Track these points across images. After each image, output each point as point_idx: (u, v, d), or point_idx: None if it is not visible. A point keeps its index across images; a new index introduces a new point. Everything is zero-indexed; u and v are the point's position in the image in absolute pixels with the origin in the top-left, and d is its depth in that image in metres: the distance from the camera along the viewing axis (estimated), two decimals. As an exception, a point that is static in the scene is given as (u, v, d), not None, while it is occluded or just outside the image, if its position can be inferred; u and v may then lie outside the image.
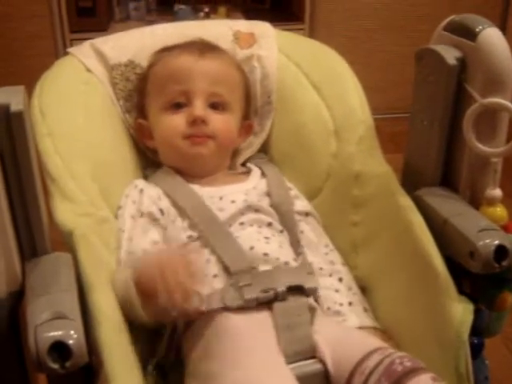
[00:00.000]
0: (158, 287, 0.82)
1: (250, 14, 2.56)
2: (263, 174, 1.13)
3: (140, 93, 1.13)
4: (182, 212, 1.00)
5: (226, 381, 0.80)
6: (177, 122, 1.06)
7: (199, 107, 1.05)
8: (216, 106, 1.08)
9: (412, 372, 0.78)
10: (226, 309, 0.89)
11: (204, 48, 1.11)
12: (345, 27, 2.82)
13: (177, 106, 1.07)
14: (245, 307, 0.89)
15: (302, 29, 2.70)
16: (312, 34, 2.74)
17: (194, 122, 1.04)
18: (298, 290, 0.91)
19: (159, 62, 1.11)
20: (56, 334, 0.72)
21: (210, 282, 0.93)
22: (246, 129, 1.17)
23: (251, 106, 1.18)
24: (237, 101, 1.12)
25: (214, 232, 0.97)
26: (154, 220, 0.99)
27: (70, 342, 0.71)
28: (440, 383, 0.77)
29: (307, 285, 0.92)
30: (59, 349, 0.71)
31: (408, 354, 0.81)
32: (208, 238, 0.96)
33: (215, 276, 0.93)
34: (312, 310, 0.93)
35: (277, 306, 0.90)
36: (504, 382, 1.42)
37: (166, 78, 1.08)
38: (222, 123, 1.08)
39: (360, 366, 0.82)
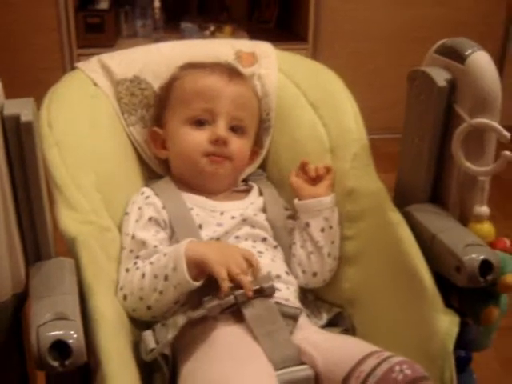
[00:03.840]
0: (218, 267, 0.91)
1: (255, 34, 2.60)
2: (260, 193, 1.16)
3: (160, 102, 1.17)
4: (168, 224, 1.05)
5: None
6: (199, 138, 1.09)
7: (222, 128, 1.09)
8: (236, 129, 1.11)
9: (413, 382, 0.79)
10: (200, 324, 0.92)
11: (232, 72, 1.15)
12: (347, 48, 2.86)
13: (199, 123, 1.10)
14: (212, 317, 0.91)
15: (305, 49, 2.75)
16: (315, 53, 2.79)
17: (217, 141, 1.08)
18: (258, 293, 0.94)
19: (186, 76, 1.14)
20: (57, 333, 0.75)
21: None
22: (253, 155, 1.20)
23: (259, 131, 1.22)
24: (253, 127, 1.16)
25: None
26: (157, 224, 1.04)
27: (70, 341, 0.74)
28: None
29: (264, 284, 0.95)
30: (60, 348, 0.74)
31: (407, 359, 0.82)
32: None
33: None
34: (292, 318, 0.96)
35: (247, 315, 0.93)
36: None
37: (193, 93, 1.11)
38: (240, 147, 1.12)
39: (355, 370, 0.83)
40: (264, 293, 0.95)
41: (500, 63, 2.79)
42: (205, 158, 1.09)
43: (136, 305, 0.96)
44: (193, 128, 1.10)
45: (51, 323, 0.76)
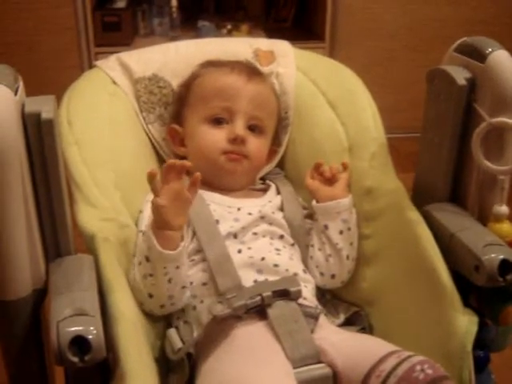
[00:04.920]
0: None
1: (272, 32, 2.59)
2: (278, 191, 1.17)
3: (179, 100, 1.17)
4: (189, 222, 1.04)
5: None
6: (218, 137, 1.09)
7: (240, 127, 1.09)
8: (253, 128, 1.12)
9: (435, 382, 0.79)
10: (223, 322, 0.92)
11: (251, 71, 1.16)
12: (365, 47, 2.85)
13: (217, 121, 1.11)
14: (235, 316, 0.92)
15: (322, 47, 2.74)
16: (332, 52, 2.78)
17: (235, 140, 1.09)
18: (284, 295, 0.95)
19: (206, 75, 1.15)
20: (77, 329, 0.75)
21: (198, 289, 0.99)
22: (271, 154, 1.21)
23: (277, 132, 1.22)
24: (271, 127, 1.17)
25: (212, 247, 1.01)
26: None
27: (90, 336, 0.75)
28: None
29: (291, 288, 0.96)
30: (79, 343, 0.74)
31: (427, 359, 0.82)
32: (205, 252, 1.00)
33: (204, 284, 0.99)
34: (313, 317, 0.96)
35: (272, 314, 0.93)
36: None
37: (213, 92, 1.12)
38: (257, 146, 1.12)
39: (376, 369, 0.83)
40: (290, 296, 0.95)
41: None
42: (223, 155, 1.09)
43: (140, 297, 0.95)
44: (211, 126, 1.11)
45: (71, 319, 0.76)
